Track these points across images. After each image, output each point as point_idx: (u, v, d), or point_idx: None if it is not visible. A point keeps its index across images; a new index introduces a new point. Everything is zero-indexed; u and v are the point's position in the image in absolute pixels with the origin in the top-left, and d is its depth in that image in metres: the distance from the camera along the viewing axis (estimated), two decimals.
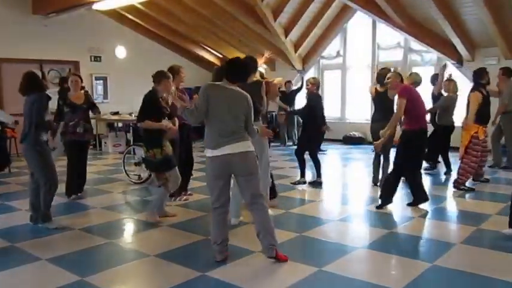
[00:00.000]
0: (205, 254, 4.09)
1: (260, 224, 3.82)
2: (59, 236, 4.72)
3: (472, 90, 6.46)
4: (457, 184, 6.42)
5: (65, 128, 6.10)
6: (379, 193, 5.82)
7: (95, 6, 10.16)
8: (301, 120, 8.57)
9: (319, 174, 7.02)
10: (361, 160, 9.68)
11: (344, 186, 7.54)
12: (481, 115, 6.30)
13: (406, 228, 4.93)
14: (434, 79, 8.16)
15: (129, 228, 5.20)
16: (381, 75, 6.75)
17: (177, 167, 5.22)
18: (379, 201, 5.61)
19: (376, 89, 6.84)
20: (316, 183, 6.97)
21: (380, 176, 6.74)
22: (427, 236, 4.69)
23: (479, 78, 6.49)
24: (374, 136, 6.78)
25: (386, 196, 5.57)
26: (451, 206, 5.97)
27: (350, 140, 12.21)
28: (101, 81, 12.54)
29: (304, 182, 7.01)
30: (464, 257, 4.08)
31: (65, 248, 4.34)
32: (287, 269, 3.78)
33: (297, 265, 3.87)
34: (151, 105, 5.06)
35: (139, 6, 11.26)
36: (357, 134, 12.19)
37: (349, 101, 12.77)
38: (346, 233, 4.88)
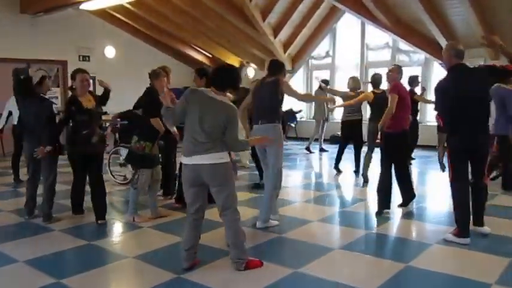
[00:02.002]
0: None
1: (229, 237, 3.76)
2: (38, 238, 4.73)
3: None
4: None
5: (74, 138, 5.16)
6: (367, 195, 5.85)
7: (83, 6, 10.15)
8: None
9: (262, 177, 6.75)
10: (347, 160, 9.70)
11: (328, 186, 7.56)
12: None
13: (385, 228, 4.98)
14: (413, 81, 8.25)
15: (110, 229, 5.18)
16: (376, 79, 7.17)
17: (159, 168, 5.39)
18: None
19: (374, 92, 7.11)
20: (260, 186, 6.68)
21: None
22: (405, 236, 4.74)
23: None
24: (371, 135, 6.91)
25: (383, 201, 5.47)
26: (431, 206, 6.03)
27: (337, 140, 12.21)
28: (90, 81, 12.49)
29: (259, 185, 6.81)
30: (439, 258, 4.13)
31: (43, 249, 4.34)
32: (262, 271, 3.80)
33: (273, 267, 3.89)
34: (153, 102, 5.08)
35: (128, 6, 11.25)
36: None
37: (337, 100, 12.76)
38: (325, 234, 4.91)
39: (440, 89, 4.42)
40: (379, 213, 5.37)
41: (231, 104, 3.69)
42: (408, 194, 5.61)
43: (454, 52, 4.33)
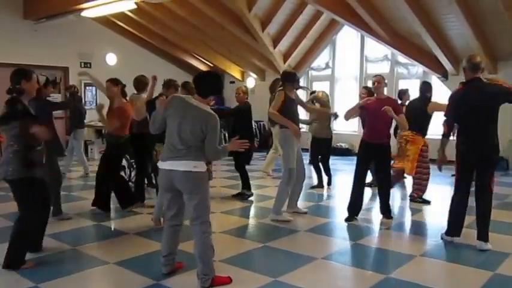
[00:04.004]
0: None
1: (196, 250, 3.63)
2: None
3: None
4: (414, 198, 6.63)
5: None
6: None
7: (84, 13, 10.25)
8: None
9: (247, 186, 6.94)
10: (345, 171, 9.69)
11: (320, 197, 7.51)
12: (426, 128, 6.49)
13: (369, 240, 4.97)
14: (402, 94, 8.21)
15: (94, 235, 5.19)
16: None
17: None
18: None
19: None
20: (243, 196, 6.88)
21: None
22: (389, 248, 4.70)
23: (427, 91, 6.55)
24: None
25: (350, 207, 5.65)
26: (420, 218, 5.99)
27: (337, 151, 12.23)
28: (91, 88, 12.61)
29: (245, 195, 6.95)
30: (420, 270, 4.11)
31: (26, 254, 4.33)
32: (241, 279, 3.80)
33: (253, 275, 3.90)
34: None
35: (129, 14, 11.36)
36: (344, 146, 12.22)
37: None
38: (309, 243, 4.88)
39: (452, 98, 4.67)
40: (347, 219, 5.60)
41: (212, 112, 3.63)
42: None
43: (469, 65, 4.49)
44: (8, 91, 4.04)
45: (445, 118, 4.78)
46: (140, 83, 6.34)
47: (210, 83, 3.76)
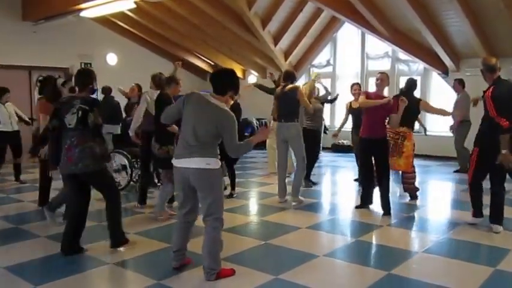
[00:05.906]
0: (165, 262, 4.09)
1: (205, 244, 3.69)
2: (23, 244, 4.73)
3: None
4: (415, 193, 6.53)
5: None
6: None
7: (83, 14, 10.25)
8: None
9: (233, 187, 6.86)
10: (346, 168, 9.71)
11: (322, 194, 7.51)
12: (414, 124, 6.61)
13: (371, 236, 4.95)
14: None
15: (94, 235, 5.10)
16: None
17: None
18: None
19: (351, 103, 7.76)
20: (229, 196, 6.67)
21: None
22: (391, 244, 4.68)
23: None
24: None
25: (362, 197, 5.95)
26: (421, 215, 5.97)
27: (338, 148, 12.25)
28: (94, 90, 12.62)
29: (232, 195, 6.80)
30: (422, 266, 4.09)
31: (26, 255, 4.33)
32: (243, 277, 3.79)
33: (254, 273, 3.89)
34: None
35: (130, 13, 11.36)
36: (346, 142, 12.20)
37: (338, 109, 12.79)
38: (310, 241, 4.88)
39: (496, 96, 4.62)
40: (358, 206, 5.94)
41: (228, 110, 3.63)
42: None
43: (486, 68, 4.73)
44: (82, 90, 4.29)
45: (495, 116, 4.64)
46: (157, 79, 6.22)
47: (225, 80, 3.74)
